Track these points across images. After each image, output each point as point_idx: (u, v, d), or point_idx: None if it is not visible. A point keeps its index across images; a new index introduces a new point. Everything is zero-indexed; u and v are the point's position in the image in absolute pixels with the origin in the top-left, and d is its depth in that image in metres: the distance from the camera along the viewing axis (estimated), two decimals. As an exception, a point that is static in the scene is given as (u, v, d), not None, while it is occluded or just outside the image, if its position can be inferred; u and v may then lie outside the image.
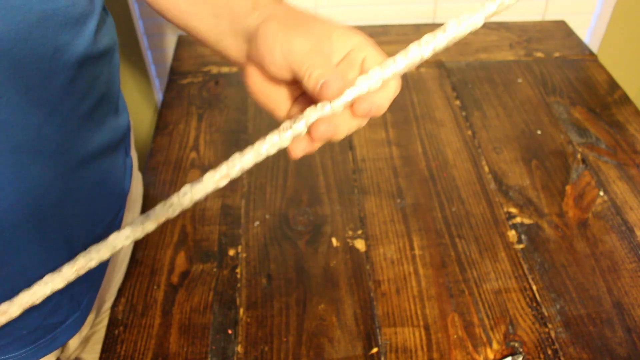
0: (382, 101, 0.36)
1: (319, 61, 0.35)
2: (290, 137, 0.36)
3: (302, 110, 0.36)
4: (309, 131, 0.36)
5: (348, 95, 0.35)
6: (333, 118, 0.35)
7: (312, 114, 0.35)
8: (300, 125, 0.35)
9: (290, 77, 0.36)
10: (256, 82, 0.39)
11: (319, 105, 0.35)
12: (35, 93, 0.38)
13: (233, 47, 0.41)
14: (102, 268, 0.56)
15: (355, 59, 0.36)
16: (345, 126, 0.36)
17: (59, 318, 0.50)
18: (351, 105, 0.36)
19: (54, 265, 0.44)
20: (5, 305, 0.40)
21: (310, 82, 0.34)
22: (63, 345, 0.53)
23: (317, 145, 0.37)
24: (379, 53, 0.36)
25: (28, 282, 0.41)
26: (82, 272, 0.39)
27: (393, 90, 0.36)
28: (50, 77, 0.39)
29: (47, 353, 0.51)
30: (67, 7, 0.39)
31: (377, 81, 0.35)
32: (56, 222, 0.45)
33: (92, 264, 0.39)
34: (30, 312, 0.46)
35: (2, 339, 0.47)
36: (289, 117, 0.39)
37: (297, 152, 0.36)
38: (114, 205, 0.54)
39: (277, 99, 0.39)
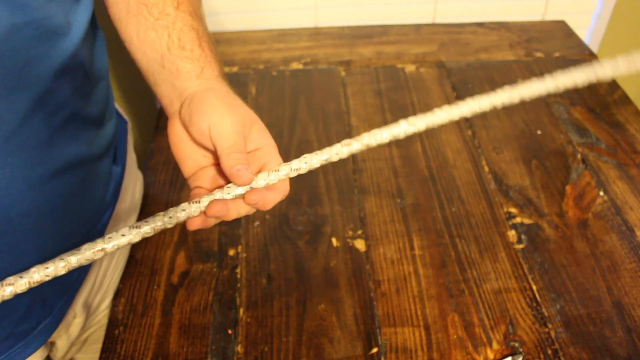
0: (271, 200, 0.41)
1: (239, 147, 0.40)
2: (195, 211, 0.40)
3: (200, 181, 0.42)
4: (205, 209, 0.40)
5: (250, 186, 0.40)
6: (228, 201, 0.40)
7: (217, 194, 0.40)
8: (204, 202, 0.40)
9: (209, 146, 0.41)
10: (176, 136, 0.44)
11: (225, 188, 0.40)
12: (4, 104, 0.37)
13: (166, 97, 0.46)
14: (79, 273, 0.55)
15: (259, 157, 0.41)
16: (236, 210, 0.41)
17: (30, 324, 0.49)
18: (244, 194, 0.41)
19: None
20: None
21: (229, 162, 0.39)
22: (35, 352, 0.51)
23: (211, 222, 0.41)
24: (279, 162, 0.42)
25: None
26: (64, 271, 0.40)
27: (283, 193, 0.42)
28: (20, 88, 0.38)
29: (22, 359, 0.50)
30: (40, 19, 0.38)
31: (274, 181, 0.41)
32: (27, 232, 0.43)
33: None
34: (1, 320, 0.45)
35: None
36: (192, 179, 0.44)
37: (193, 225, 0.41)
38: (92, 216, 0.53)
39: (190, 159, 0.44)
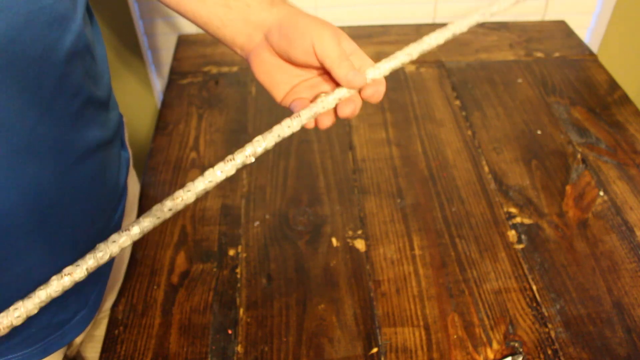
0: (382, 90, 0.46)
1: (345, 55, 0.43)
2: (322, 108, 0.44)
3: (296, 95, 0.46)
4: (335, 109, 0.45)
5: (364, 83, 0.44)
6: (354, 98, 0.45)
7: (340, 92, 0.44)
8: (329, 100, 0.44)
9: (312, 62, 0.44)
10: (267, 65, 0.46)
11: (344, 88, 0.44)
12: (29, 93, 0.38)
13: (241, 34, 0.47)
14: (109, 263, 0.57)
15: (354, 62, 0.45)
16: (358, 107, 0.45)
17: (67, 315, 0.51)
18: (359, 90, 0.45)
19: (60, 264, 0.44)
20: (20, 303, 0.40)
21: (341, 70, 0.43)
22: (72, 341, 0.53)
23: (334, 119, 0.46)
24: (370, 63, 0.46)
25: (34, 284, 0.41)
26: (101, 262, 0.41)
27: (384, 85, 0.46)
28: (41, 76, 0.39)
29: (56, 349, 0.51)
30: (52, 4, 0.39)
31: (380, 75, 0.45)
32: (58, 220, 0.45)
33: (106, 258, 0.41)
34: (39, 311, 0.46)
35: (12, 338, 0.47)
36: (287, 98, 0.47)
37: (323, 124, 0.45)
38: (113, 199, 0.55)
39: (283, 82, 0.47)
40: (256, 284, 0.64)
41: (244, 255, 0.67)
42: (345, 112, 0.44)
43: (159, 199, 0.79)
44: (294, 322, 0.60)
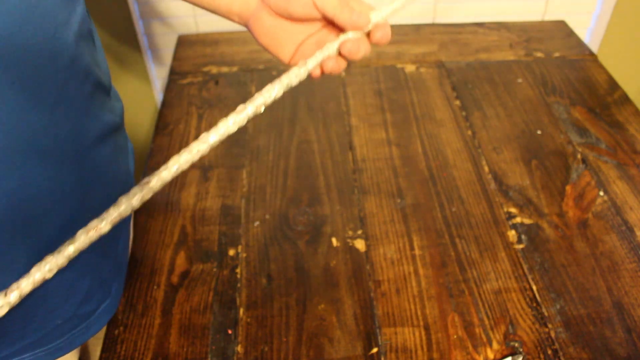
0: (389, 31, 0.46)
1: (344, 1, 0.44)
2: (327, 55, 0.45)
3: (304, 56, 0.47)
4: (339, 51, 0.45)
5: (369, 25, 0.46)
6: (358, 40, 0.45)
7: (345, 37, 0.45)
8: (334, 46, 0.45)
9: (313, 15, 0.45)
10: (268, 27, 0.47)
11: (350, 32, 0.45)
12: (44, 74, 0.38)
13: (237, 1, 0.48)
14: (125, 251, 0.57)
15: (354, 7, 0.45)
16: (363, 48, 0.46)
17: (91, 306, 0.51)
18: (368, 34, 0.46)
19: (80, 253, 0.44)
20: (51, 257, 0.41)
21: (344, 15, 0.44)
22: (97, 333, 0.53)
23: (342, 65, 0.46)
24: (368, 7, 0.46)
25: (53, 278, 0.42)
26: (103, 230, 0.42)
27: (389, 27, 0.47)
28: (54, 57, 0.39)
29: (83, 341, 0.51)
30: None
31: (383, 18, 0.46)
32: (78, 206, 0.45)
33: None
34: (63, 301, 0.47)
35: (38, 331, 0.47)
36: (296, 58, 0.48)
37: (328, 68, 0.46)
38: (126, 185, 0.55)
39: (288, 42, 0.47)
40: (256, 284, 0.64)
41: (244, 255, 0.67)
42: (347, 47, 0.45)
43: (160, 198, 0.80)
44: (294, 322, 0.60)
